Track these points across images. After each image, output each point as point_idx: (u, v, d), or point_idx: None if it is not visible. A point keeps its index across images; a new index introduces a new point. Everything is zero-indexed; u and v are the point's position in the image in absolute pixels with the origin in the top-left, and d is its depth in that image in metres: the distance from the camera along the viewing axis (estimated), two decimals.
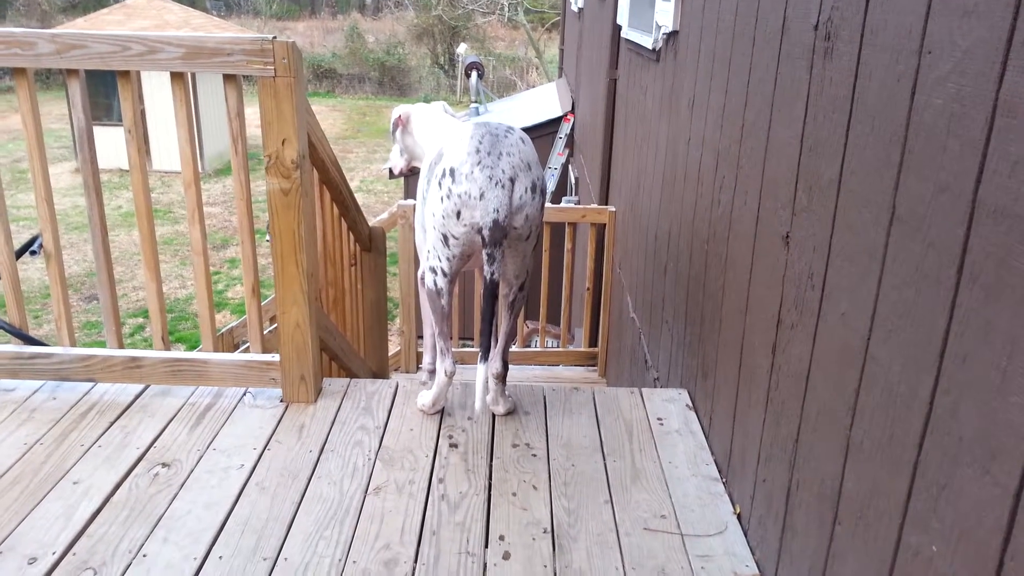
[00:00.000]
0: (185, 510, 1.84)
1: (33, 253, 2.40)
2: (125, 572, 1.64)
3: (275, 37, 2.04)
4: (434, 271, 2.13)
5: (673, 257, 2.80)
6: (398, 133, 2.57)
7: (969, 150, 0.97)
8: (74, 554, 1.68)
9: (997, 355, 0.91)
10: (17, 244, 2.49)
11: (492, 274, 1.99)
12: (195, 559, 1.68)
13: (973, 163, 0.97)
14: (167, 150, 14.66)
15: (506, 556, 1.72)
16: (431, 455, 2.09)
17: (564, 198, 8.02)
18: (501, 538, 1.78)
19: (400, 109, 2.55)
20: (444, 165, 2.04)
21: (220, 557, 1.69)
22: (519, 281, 2.20)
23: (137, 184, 2.24)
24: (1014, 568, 0.87)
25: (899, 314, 1.14)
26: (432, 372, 2.54)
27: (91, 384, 2.35)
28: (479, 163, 1.98)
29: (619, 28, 4.63)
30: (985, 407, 0.93)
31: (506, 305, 2.24)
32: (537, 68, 24.33)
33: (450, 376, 2.21)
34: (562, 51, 12.30)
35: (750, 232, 1.89)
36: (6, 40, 2.07)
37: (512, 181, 1.99)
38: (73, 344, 2.36)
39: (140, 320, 9.57)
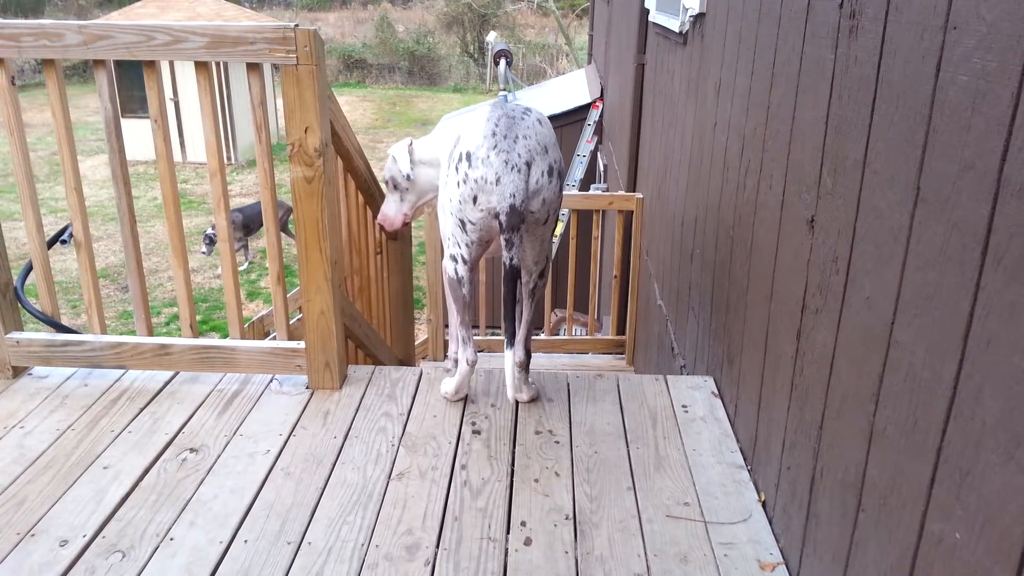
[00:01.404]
0: (212, 495, 1.87)
1: (64, 243, 2.44)
2: (153, 555, 1.67)
3: (297, 25, 2.05)
4: (454, 259, 2.13)
5: (699, 243, 2.77)
6: (406, 171, 2.41)
7: (994, 127, 0.94)
8: (104, 537, 1.72)
9: (1022, 338, 0.88)
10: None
11: (512, 259, 1.98)
12: (221, 542, 1.71)
13: (998, 141, 0.94)
14: (201, 142, 14.86)
15: (527, 542, 1.72)
16: (454, 441, 2.10)
17: (593, 185, 7.98)
18: (523, 524, 1.78)
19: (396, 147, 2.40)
20: (461, 149, 2.02)
21: (245, 541, 1.72)
22: (539, 268, 2.19)
23: (164, 173, 2.27)
24: None
25: (923, 297, 1.11)
26: (457, 360, 2.55)
27: (122, 371, 2.39)
28: (495, 147, 1.97)
29: (646, 12, 4.58)
30: (1009, 391, 0.90)
31: (527, 292, 2.23)
32: (567, 55, 24.18)
33: (471, 364, 2.21)
34: (591, 37, 12.20)
35: (775, 217, 1.86)
36: (35, 32, 2.10)
37: (528, 165, 1.98)
38: (104, 332, 2.41)
39: (175, 309, 9.72)
